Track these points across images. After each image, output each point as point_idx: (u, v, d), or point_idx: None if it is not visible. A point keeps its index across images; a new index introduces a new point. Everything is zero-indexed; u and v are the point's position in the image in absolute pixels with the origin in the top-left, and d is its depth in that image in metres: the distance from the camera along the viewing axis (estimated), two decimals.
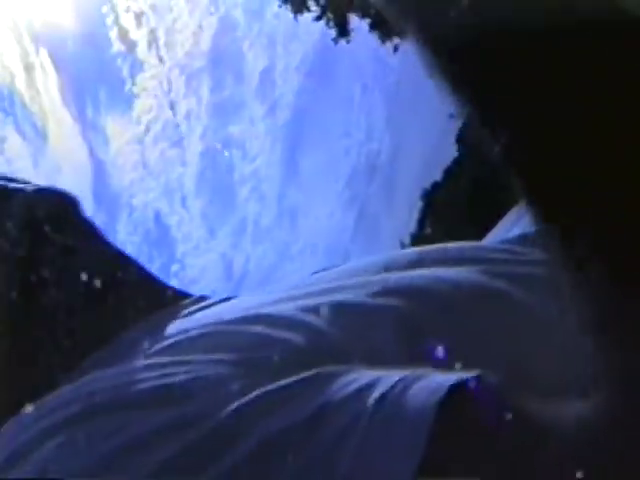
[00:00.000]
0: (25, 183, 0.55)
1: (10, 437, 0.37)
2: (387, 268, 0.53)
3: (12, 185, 0.53)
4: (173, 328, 0.47)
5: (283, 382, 0.35)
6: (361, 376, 0.34)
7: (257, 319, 0.45)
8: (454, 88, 0.32)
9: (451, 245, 0.58)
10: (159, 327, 0.47)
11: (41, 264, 0.49)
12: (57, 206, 0.53)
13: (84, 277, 0.49)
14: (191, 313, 0.50)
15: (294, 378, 0.35)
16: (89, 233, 0.54)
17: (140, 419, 0.34)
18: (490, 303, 0.49)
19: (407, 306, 0.47)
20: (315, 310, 0.46)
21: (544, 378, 0.42)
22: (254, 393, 0.34)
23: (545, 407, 0.33)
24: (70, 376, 0.45)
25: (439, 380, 0.32)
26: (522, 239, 0.62)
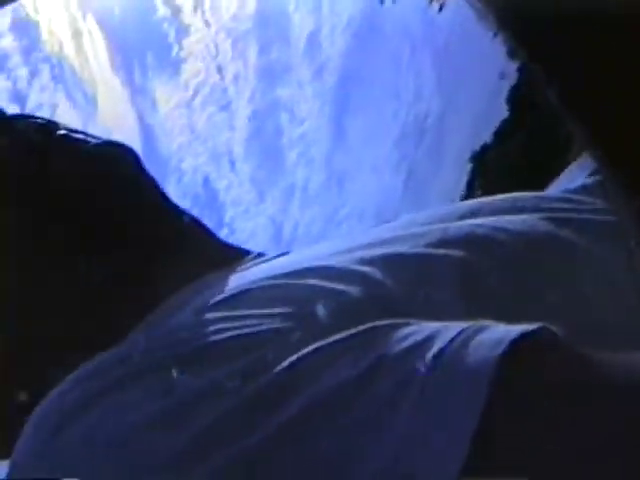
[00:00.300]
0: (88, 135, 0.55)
1: (59, 398, 0.38)
2: (445, 219, 0.53)
3: (77, 136, 0.53)
4: (228, 284, 0.47)
5: (337, 336, 0.35)
6: (419, 329, 0.34)
7: (312, 271, 0.45)
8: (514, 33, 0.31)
9: (512, 194, 0.58)
10: (214, 284, 0.48)
11: (105, 219, 0.50)
12: (123, 159, 0.54)
13: (150, 232, 0.50)
14: (246, 269, 0.51)
15: (350, 331, 0.35)
16: (153, 188, 0.54)
17: (192, 377, 0.34)
18: (555, 253, 0.49)
19: (467, 257, 0.47)
20: (372, 261, 0.47)
21: (613, 330, 0.42)
22: (308, 348, 0.34)
23: (614, 357, 0.33)
24: (127, 335, 0.45)
25: (501, 333, 0.32)
26: (583, 189, 0.61)
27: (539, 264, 0.48)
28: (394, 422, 0.29)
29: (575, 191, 0.60)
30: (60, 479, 0.34)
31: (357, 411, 0.30)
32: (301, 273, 0.45)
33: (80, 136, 0.54)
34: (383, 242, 0.49)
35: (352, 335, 0.34)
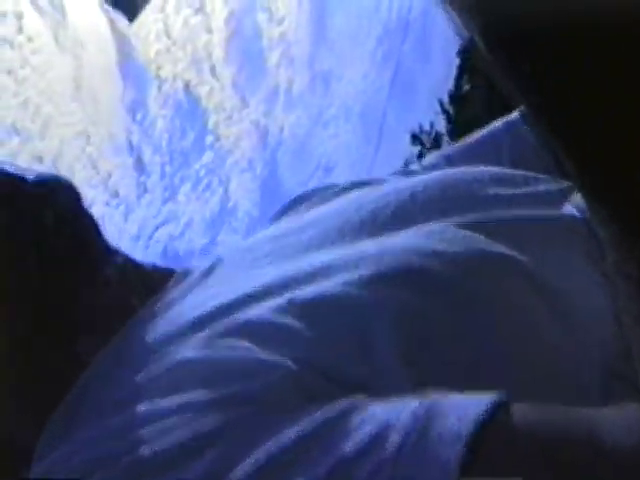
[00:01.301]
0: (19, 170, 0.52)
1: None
2: (375, 218, 0.49)
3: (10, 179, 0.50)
4: (169, 316, 0.46)
5: (287, 436, 0.33)
6: (367, 418, 0.33)
7: (239, 331, 0.42)
8: None
9: (444, 178, 0.54)
10: (155, 317, 0.46)
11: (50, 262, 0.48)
12: (62, 196, 0.50)
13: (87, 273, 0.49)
14: (170, 306, 0.49)
15: (295, 431, 0.33)
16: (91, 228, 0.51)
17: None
18: (490, 277, 0.46)
19: (403, 298, 0.43)
20: (302, 307, 0.43)
21: (563, 376, 0.41)
22: (259, 454, 0.33)
23: (570, 416, 0.32)
24: (84, 372, 0.44)
25: (454, 421, 0.31)
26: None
27: (474, 296, 0.45)
28: None
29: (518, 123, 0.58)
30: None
31: None
32: (227, 333, 0.42)
33: (14, 171, 0.51)
34: (315, 274, 0.45)
35: (302, 437, 0.33)
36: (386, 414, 0.34)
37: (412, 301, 0.43)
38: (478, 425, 0.31)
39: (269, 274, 0.46)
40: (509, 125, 0.69)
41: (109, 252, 0.53)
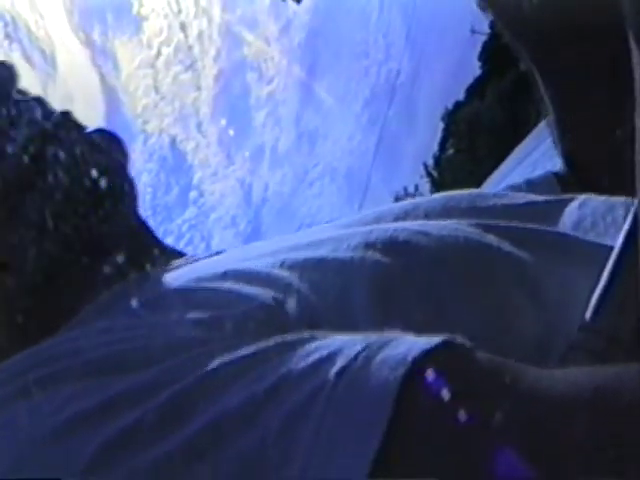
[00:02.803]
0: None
1: None
2: (380, 219, 0.53)
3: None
4: (153, 286, 0.47)
5: (245, 351, 0.34)
6: (324, 344, 0.33)
7: (230, 275, 0.44)
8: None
9: (448, 194, 0.58)
10: (143, 285, 0.47)
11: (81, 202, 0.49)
12: (115, 147, 0.52)
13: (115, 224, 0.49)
14: (175, 269, 0.50)
15: (257, 346, 0.34)
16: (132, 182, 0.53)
17: (96, 388, 0.34)
18: (473, 258, 0.48)
19: (384, 261, 0.46)
20: (292, 266, 0.45)
21: (529, 342, 0.41)
22: (215, 362, 0.33)
23: (523, 367, 0.32)
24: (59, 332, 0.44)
25: (403, 350, 0.31)
26: (527, 184, 0.62)
27: (455, 269, 0.47)
28: (299, 438, 0.29)
29: (519, 187, 0.61)
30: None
31: (262, 427, 0.29)
32: (220, 276, 0.45)
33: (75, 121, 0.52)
34: (309, 245, 0.48)
35: (259, 351, 0.33)
36: (342, 343, 0.33)
37: (391, 265, 0.45)
38: (425, 353, 0.31)
39: (269, 249, 0.49)
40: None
41: (141, 219, 0.54)
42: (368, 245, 0.47)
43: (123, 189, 0.51)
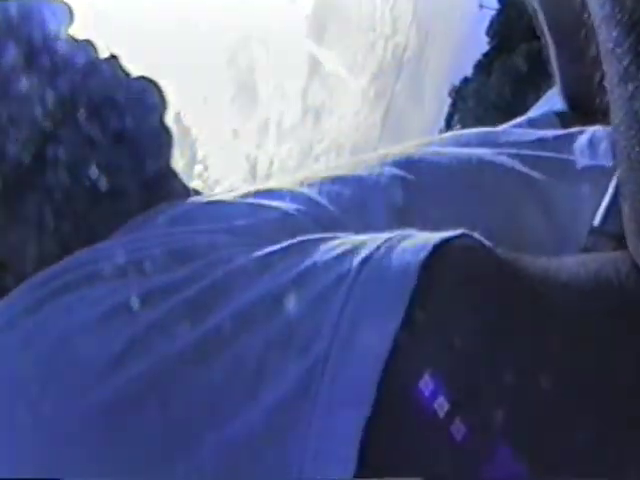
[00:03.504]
0: None
1: (13, 301, 0.37)
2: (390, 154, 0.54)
3: None
4: (181, 207, 0.47)
5: (270, 248, 0.35)
6: (347, 240, 0.34)
7: (251, 193, 0.46)
8: None
9: (458, 133, 0.59)
10: (171, 208, 0.48)
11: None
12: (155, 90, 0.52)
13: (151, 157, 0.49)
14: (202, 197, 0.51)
15: (281, 244, 0.35)
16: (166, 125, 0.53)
17: (127, 286, 0.34)
18: (491, 176, 0.50)
19: (401, 174, 0.48)
20: (313, 184, 0.47)
21: (538, 250, 0.42)
22: (241, 259, 0.34)
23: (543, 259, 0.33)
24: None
25: (424, 238, 0.32)
26: (528, 122, 0.62)
27: (469, 181, 0.49)
28: (324, 318, 0.30)
29: (520, 124, 0.62)
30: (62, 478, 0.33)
31: (287, 312, 0.30)
32: (242, 196, 0.47)
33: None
34: (326, 170, 0.51)
35: (284, 248, 0.35)
36: (365, 238, 0.35)
37: (407, 177, 0.47)
38: (446, 240, 0.32)
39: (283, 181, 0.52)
40: None
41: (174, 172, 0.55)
42: (384, 163, 0.49)
43: (155, 140, 0.51)
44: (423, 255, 0.30)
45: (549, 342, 0.29)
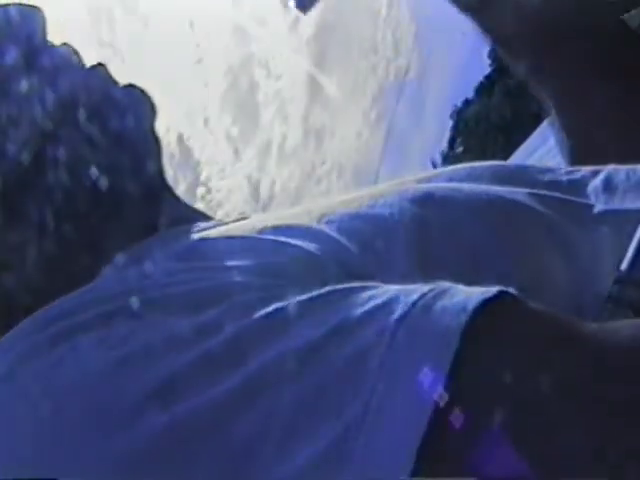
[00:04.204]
0: None
1: (14, 340, 0.36)
2: (404, 183, 0.54)
3: None
4: (195, 236, 0.46)
5: (299, 298, 0.34)
6: (378, 292, 0.33)
7: (269, 229, 0.45)
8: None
9: (470, 164, 0.59)
10: (182, 235, 0.46)
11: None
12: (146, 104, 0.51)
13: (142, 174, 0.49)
14: (212, 227, 0.49)
15: (311, 294, 0.34)
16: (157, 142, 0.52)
17: (149, 327, 0.33)
18: (506, 212, 0.49)
19: (422, 213, 0.47)
20: (330, 220, 0.46)
21: (559, 298, 0.42)
22: (269, 308, 0.33)
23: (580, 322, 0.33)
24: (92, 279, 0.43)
25: (462, 299, 0.31)
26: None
27: (489, 222, 0.48)
28: (362, 376, 0.29)
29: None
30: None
31: (323, 367, 0.29)
32: (261, 231, 0.45)
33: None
34: (342, 202, 0.49)
35: (314, 297, 0.33)
36: (397, 292, 0.33)
37: (428, 216, 0.47)
38: (486, 301, 0.31)
39: (299, 211, 0.51)
40: None
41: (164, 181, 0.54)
42: (404, 200, 0.48)
43: (146, 148, 0.51)
44: (464, 319, 0.30)
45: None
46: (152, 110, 0.50)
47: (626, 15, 0.60)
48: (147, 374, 0.31)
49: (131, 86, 0.50)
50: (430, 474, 0.27)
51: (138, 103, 0.50)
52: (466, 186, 0.52)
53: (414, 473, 0.26)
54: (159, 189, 0.51)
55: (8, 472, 0.32)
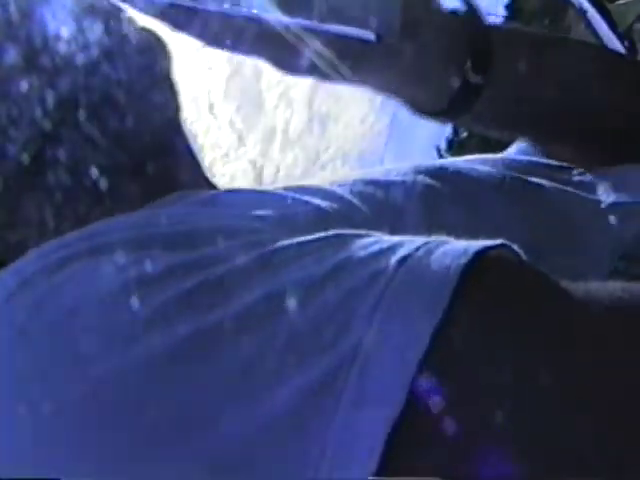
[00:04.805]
0: None
1: (28, 263, 0.37)
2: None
3: None
4: (207, 194, 0.47)
5: (304, 238, 0.35)
6: (383, 239, 0.35)
7: (287, 189, 0.47)
8: None
9: (479, 156, 0.60)
10: (203, 193, 0.47)
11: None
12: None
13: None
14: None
15: (316, 235, 0.35)
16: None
17: (155, 257, 0.34)
18: (519, 187, 0.51)
19: (435, 184, 0.48)
20: (345, 184, 0.48)
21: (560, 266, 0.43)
22: (276, 245, 0.34)
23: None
24: None
25: (464, 245, 0.32)
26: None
27: (501, 195, 0.51)
28: (356, 313, 0.30)
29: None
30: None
31: (319, 303, 0.30)
32: (281, 188, 0.48)
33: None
34: (360, 174, 0.52)
35: (318, 238, 0.35)
36: (401, 239, 0.35)
37: (441, 187, 0.50)
38: (487, 249, 0.32)
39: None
40: None
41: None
42: (418, 172, 0.50)
43: (164, 90, 0.51)
44: (464, 260, 0.31)
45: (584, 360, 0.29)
46: (169, 53, 0.50)
47: (612, 6, 0.59)
48: (148, 299, 0.32)
49: (145, 29, 0.50)
50: (423, 410, 0.28)
51: (156, 46, 0.50)
52: (480, 166, 0.53)
53: (406, 409, 0.27)
54: (178, 138, 0.51)
55: (8, 386, 0.33)
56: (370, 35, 0.45)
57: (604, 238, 0.47)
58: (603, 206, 0.51)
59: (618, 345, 0.30)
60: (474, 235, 0.35)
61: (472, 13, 0.51)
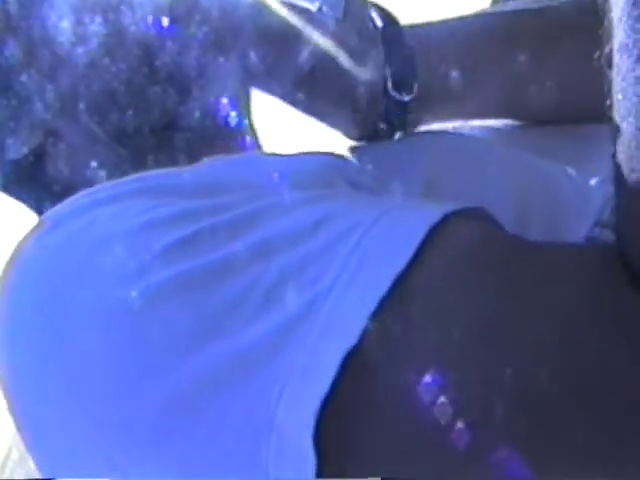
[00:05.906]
0: None
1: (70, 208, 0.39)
2: None
3: None
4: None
5: (300, 194, 0.37)
6: (371, 199, 0.37)
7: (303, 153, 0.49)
8: None
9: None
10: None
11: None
12: None
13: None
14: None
15: (309, 193, 0.38)
16: None
17: (173, 203, 0.36)
18: (515, 159, 0.52)
19: (435, 155, 0.50)
20: (349, 150, 0.51)
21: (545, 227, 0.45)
22: (272, 199, 0.36)
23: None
24: None
25: (435, 206, 0.34)
26: None
27: (496, 165, 0.53)
28: (336, 256, 0.32)
29: None
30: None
31: (307, 248, 0.33)
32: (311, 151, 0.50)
33: None
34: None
35: (313, 194, 0.38)
36: (381, 198, 0.38)
37: (440, 157, 0.50)
38: (466, 209, 0.35)
39: None
40: None
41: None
42: (424, 138, 0.52)
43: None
44: (436, 217, 0.33)
45: (544, 333, 0.31)
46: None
47: None
48: (159, 239, 0.34)
49: None
50: (386, 338, 0.30)
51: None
52: (476, 132, 0.55)
53: (371, 335, 0.29)
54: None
55: (31, 317, 0.36)
56: (313, 4, 0.47)
57: (585, 205, 0.48)
58: (592, 183, 0.52)
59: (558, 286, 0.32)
60: (471, 197, 0.37)
61: (390, 26, 0.52)
